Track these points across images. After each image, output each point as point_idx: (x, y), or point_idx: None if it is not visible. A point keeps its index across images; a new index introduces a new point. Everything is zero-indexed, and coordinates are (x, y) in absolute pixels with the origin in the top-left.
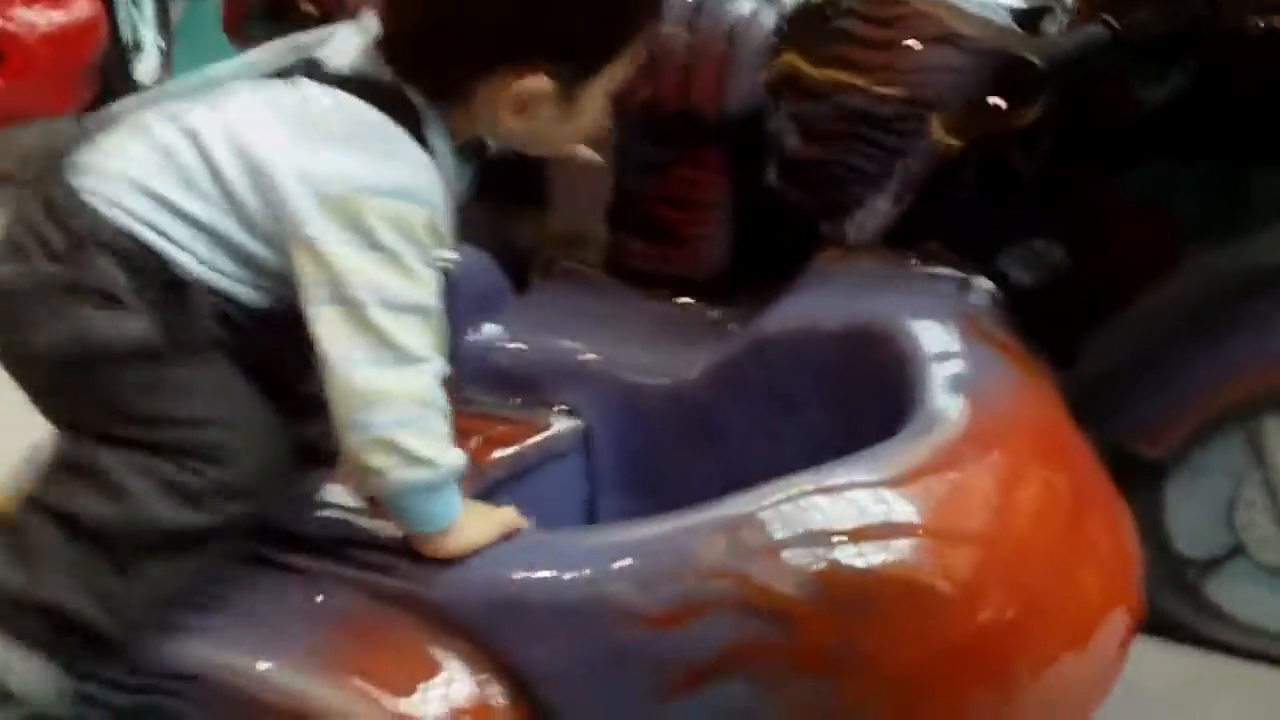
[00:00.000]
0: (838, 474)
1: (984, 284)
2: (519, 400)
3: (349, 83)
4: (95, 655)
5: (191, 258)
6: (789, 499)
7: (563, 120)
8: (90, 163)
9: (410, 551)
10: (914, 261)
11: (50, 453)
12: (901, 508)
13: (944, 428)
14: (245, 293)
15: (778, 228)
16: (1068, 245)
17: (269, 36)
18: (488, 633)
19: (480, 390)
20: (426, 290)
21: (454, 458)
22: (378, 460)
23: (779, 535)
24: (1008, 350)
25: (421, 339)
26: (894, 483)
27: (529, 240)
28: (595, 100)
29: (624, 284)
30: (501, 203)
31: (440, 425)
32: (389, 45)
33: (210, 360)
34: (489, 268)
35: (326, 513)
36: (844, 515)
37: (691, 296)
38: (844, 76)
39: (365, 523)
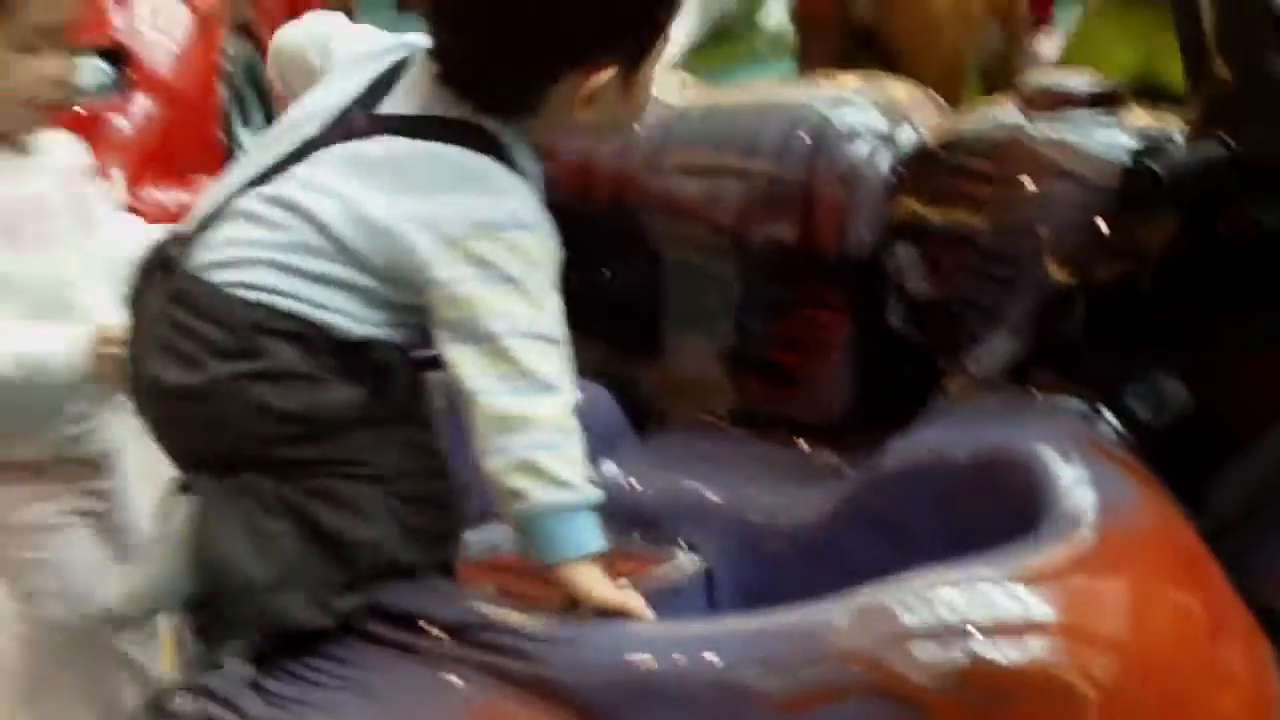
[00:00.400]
0: (973, 569)
1: (1108, 417)
2: (639, 537)
3: (428, 129)
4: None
5: (342, 317)
6: (925, 590)
7: (625, 101)
8: (212, 258)
9: (537, 636)
10: (1036, 395)
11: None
12: (1038, 605)
13: (1077, 533)
14: (397, 335)
15: (897, 367)
16: (1191, 382)
17: None
18: (617, 718)
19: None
20: (555, 319)
21: (593, 488)
22: (519, 482)
23: (914, 624)
24: (1136, 473)
25: (555, 367)
26: (1029, 580)
27: (648, 387)
28: (649, 75)
29: (743, 428)
30: (619, 349)
31: (577, 452)
32: (455, 82)
33: (413, 417)
34: (609, 406)
35: (451, 598)
36: (981, 608)
37: (811, 440)
38: (962, 214)
39: (490, 607)
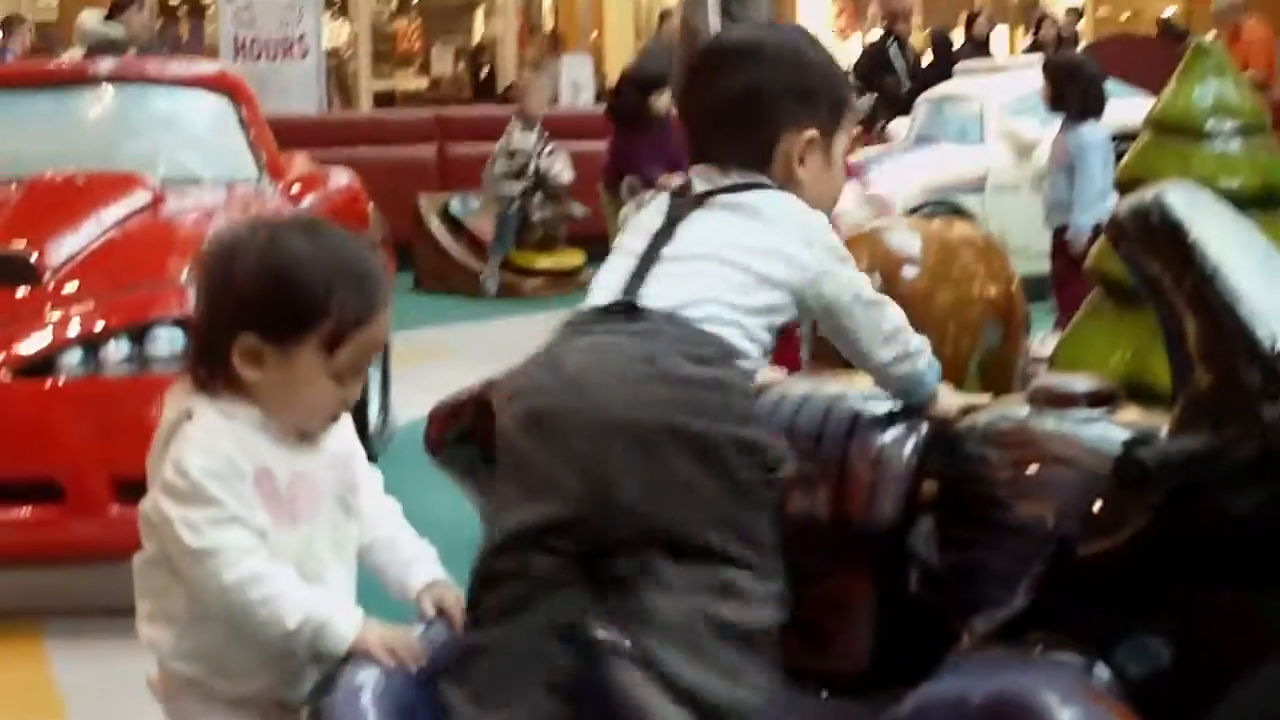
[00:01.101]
0: None
1: (1102, 670)
2: None
3: (744, 188)
4: None
5: (739, 333)
6: None
7: (826, 169)
8: (655, 303)
9: None
10: (1040, 649)
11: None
12: None
13: None
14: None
15: (916, 627)
16: (1172, 641)
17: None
18: None
19: None
20: None
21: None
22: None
23: None
24: (1124, 717)
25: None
26: None
27: None
28: (841, 150)
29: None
30: None
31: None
32: (727, 162)
33: None
34: None
35: None
36: None
37: (837, 691)
38: (975, 494)
39: None
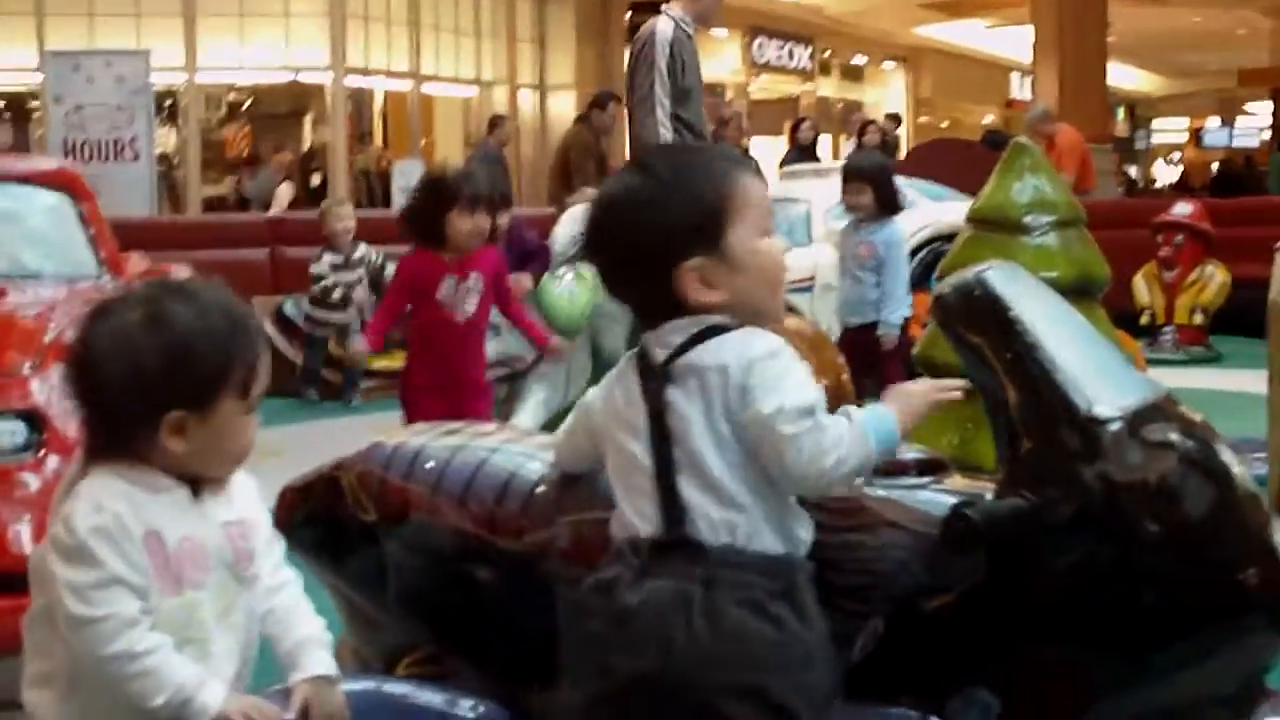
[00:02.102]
0: None
1: None
2: None
3: (689, 349)
4: None
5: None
6: None
7: (736, 277)
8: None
9: None
10: (879, 705)
11: None
12: None
13: None
14: None
15: None
16: (1002, 694)
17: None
18: None
19: None
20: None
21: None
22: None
23: None
24: None
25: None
26: None
27: (540, 708)
28: (747, 237)
29: None
30: (518, 676)
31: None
32: (658, 314)
33: None
34: None
35: None
36: None
37: None
38: (813, 557)
39: None
